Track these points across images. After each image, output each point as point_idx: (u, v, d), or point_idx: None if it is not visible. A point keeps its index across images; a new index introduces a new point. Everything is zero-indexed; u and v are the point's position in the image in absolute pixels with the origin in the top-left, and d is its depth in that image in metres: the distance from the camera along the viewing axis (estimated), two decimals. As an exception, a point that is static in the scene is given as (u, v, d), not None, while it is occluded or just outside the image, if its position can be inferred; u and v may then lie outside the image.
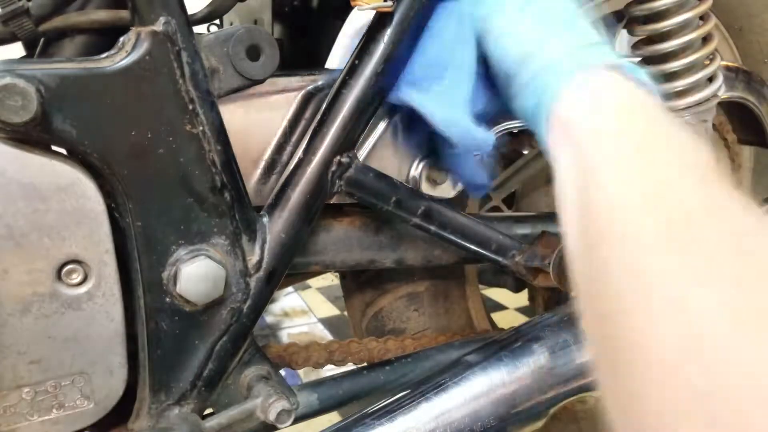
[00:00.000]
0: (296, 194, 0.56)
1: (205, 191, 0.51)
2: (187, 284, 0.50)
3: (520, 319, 1.47)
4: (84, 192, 0.46)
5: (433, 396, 0.56)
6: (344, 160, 0.58)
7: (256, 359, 0.58)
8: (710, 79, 0.78)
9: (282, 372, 0.61)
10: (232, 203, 0.52)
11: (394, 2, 0.56)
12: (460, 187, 0.65)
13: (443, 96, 0.56)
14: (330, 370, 0.72)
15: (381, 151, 0.64)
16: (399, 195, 0.61)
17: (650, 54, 0.76)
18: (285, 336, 1.75)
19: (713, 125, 0.91)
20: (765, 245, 0.30)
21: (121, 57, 0.46)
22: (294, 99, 0.60)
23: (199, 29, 0.56)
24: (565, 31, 0.48)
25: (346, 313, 1.03)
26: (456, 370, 0.59)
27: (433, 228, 0.63)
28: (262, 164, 0.60)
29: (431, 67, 0.57)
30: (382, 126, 0.63)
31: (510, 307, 1.82)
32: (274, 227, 0.56)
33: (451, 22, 0.55)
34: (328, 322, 1.82)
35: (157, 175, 0.49)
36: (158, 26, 0.47)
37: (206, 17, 0.60)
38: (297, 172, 0.57)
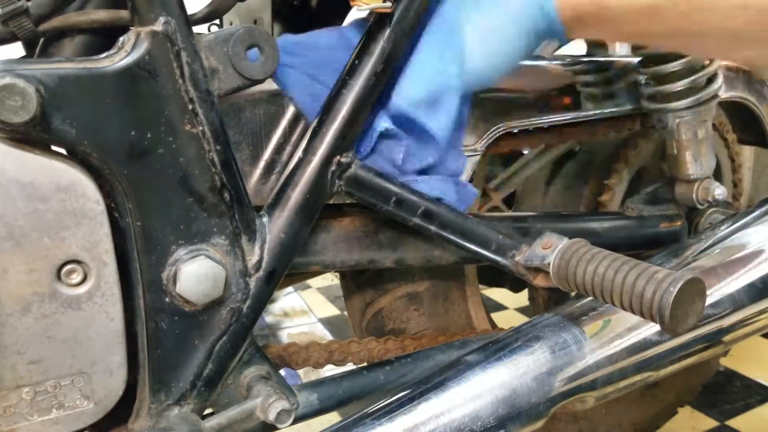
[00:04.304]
0: (296, 194, 0.56)
1: (205, 191, 0.51)
2: (187, 284, 0.50)
3: (520, 319, 1.47)
4: (84, 192, 0.46)
5: (433, 396, 0.56)
6: (344, 160, 0.58)
7: (256, 359, 0.58)
8: (710, 79, 0.78)
9: (282, 372, 0.61)
10: (231, 203, 0.52)
11: (393, 2, 0.56)
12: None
13: (440, 110, 0.61)
14: (330, 370, 0.72)
15: (381, 151, 0.64)
16: (399, 195, 0.61)
17: (650, 54, 0.77)
18: (285, 336, 1.74)
19: (713, 125, 0.91)
20: None
21: (121, 57, 0.46)
22: (294, 99, 0.60)
23: (199, 29, 0.56)
24: None
25: (346, 313, 1.03)
26: (456, 370, 0.59)
27: (433, 228, 0.63)
28: (262, 164, 0.60)
29: (431, 85, 0.59)
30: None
31: (510, 307, 1.82)
32: (274, 227, 0.56)
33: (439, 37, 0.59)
34: (328, 322, 1.82)
35: (157, 175, 0.49)
36: (158, 26, 0.47)
37: (206, 17, 0.60)
38: (297, 172, 0.57)
